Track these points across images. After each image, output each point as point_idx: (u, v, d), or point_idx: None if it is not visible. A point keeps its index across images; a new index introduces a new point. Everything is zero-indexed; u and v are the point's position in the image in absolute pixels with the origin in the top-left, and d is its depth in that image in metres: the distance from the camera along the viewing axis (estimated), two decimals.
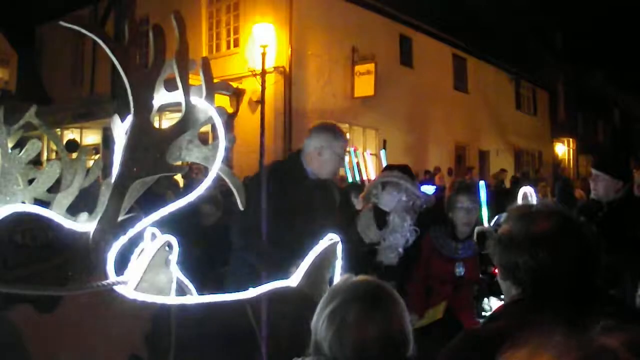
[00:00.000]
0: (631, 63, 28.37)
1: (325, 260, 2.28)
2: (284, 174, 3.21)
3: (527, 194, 3.66)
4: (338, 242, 2.33)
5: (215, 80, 2.14)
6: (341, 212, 3.86)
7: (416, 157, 15.51)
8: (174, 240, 1.91)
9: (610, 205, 3.77)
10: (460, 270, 3.62)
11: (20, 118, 2.02)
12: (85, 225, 1.83)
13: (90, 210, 1.89)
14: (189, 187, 7.34)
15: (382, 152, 13.04)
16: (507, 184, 13.81)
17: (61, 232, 1.76)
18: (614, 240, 3.20)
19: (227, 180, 2.02)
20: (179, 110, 1.95)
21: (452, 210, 3.74)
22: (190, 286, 2.08)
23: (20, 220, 1.71)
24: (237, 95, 13.13)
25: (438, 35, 17.50)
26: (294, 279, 2.23)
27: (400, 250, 3.64)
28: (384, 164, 11.80)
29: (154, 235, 1.91)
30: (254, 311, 2.05)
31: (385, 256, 3.62)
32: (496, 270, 1.71)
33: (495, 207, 4.58)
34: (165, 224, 1.93)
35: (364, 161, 10.55)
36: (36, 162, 2.06)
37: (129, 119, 1.87)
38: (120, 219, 1.81)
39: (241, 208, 2.03)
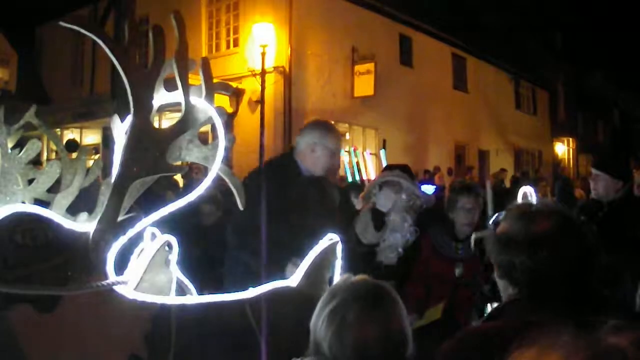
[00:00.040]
0: (631, 63, 28.40)
1: (325, 260, 2.28)
2: (277, 171, 3.21)
3: (527, 193, 3.65)
4: (338, 242, 2.33)
5: (215, 80, 2.14)
6: (341, 212, 3.86)
7: (416, 156, 15.51)
8: (173, 240, 1.91)
9: (611, 205, 3.77)
10: (460, 271, 3.62)
11: (20, 118, 2.02)
12: (85, 225, 1.83)
13: (90, 210, 1.89)
14: (189, 187, 7.34)
15: (382, 152, 13.06)
16: (507, 184, 13.82)
17: (61, 232, 1.76)
18: (614, 240, 3.21)
19: (226, 180, 2.02)
20: (179, 110, 1.95)
21: (452, 210, 3.73)
22: (190, 286, 2.08)
23: (20, 220, 1.71)
24: (236, 95, 13.14)
25: (438, 34, 17.51)
26: (294, 279, 2.23)
27: (400, 250, 3.64)
28: (384, 164, 11.82)
29: (153, 235, 1.91)
30: (254, 311, 2.05)
31: (385, 256, 3.62)
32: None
33: (495, 206, 4.57)
34: (165, 224, 1.93)
35: (364, 161, 10.56)
36: (36, 162, 2.06)
37: (129, 118, 1.87)
38: (120, 219, 1.81)
39: (241, 208, 2.03)
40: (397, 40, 16.30)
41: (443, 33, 17.58)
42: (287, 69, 13.07)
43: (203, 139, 1.99)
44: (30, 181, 1.93)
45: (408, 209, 3.65)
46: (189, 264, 2.19)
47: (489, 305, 3.96)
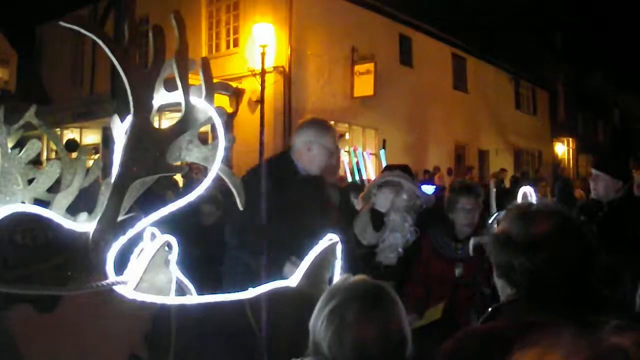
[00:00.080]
0: (631, 63, 28.40)
1: (324, 260, 2.28)
2: (274, 171, 3.21)
3: (527, 193, 3.65)
4: (338, 242, 2.33)
5: (215, 80, 2.14)
6: (341, 212, 3.86)
7: (416, 156, 15.51)
8: (173, 240, 1.91)
9: (610, 205, 3.77)
10: (459, 271, 3.62)
11: (20, 118, 2.02)
12: (84, 225, 1.83)
13: (90, 210, 1.89)
14: (189, 187, 7.34)
15: (382, 152, 13.05)
16: (507, 184, 13.81)
17: (61, 232, 1.76)
18: (614, 240, 3.21)
19: (226, 180, 2.02)
20: (179, 110, 1.95)
21: (452, 211, 3.73)
22: (190, 286, 2.08)
23: (20, 220, 1.71)
24: (236, 95, 13.14)
25: (438, 34, 17.51)
26: (294, 279, 2.23)
27: (400, 250, 3.65)
28: (384, 164, 11.81)
29: (153, 235, 1.91)
30: (254, 311, 2.05)
31: (385, 256, 3.62)
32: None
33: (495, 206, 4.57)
34: (165, 224, 1.93)
35: (364, 161, 10.56)
36: (36, 161, 2.06)
37: (129, 119, 1.87)
38: (120, 219, 1.81)
39: (241, 208, 2.03)
40: (397, 40, 16.30)
41: (443, 33, 17.58)
42: (287, 69, 13.07)
43: (203, 139, 2.00)
44: (30, 181, 1.93)
45: (409, 209, 3.65)
46: (189, 264, 2.19)
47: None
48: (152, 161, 1.85)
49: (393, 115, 15.58)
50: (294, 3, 13.10)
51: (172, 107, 2.05)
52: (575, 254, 1.54)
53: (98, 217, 1.81)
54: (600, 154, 20.68)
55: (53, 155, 12.86)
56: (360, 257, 3.47)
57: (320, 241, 2.31)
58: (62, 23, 1.85)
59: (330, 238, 2.32)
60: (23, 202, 1.85)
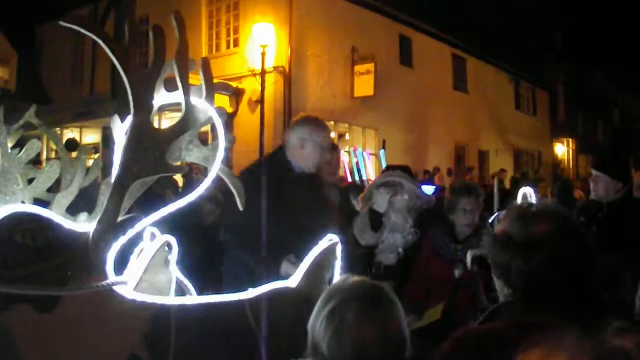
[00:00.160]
0: (631, 63, 28.37)
1: (324, 261, 2.28)
2: (267, 169, 3.20)
3: (527, 194, 3.65)
4: (337, 242, 2.33)
5: (215, 80, 2.14)
6: (341, 213, 3.86)
7: (416, 157, 15.52)
8: (173, 241, 1.91)
9: (610, 206, 3.77)
10: (459, 272, 3.61)
11: (20, 117, 2.02)
12: (84, 225, 1.83)
13: (90, 210, 1.89)
14: (189, 187, 7.34)
15: (382, 152, 13.06)
16: (507, 185, 13.81)
17: (61, 232, 1.76)
18: (614, 240, 3.21)
19: (226, 180, 2.02)
20: (179, 110, 1.95)
21: (452, 212, 3.72)
22: (190, 286, 2.08)
23: (20, 220, 1.71)
24: (236, 95, 13.14)
25: (438, 35, 17.51)
26: (294, 279, 2.23)
27: (401, 250, 3.64)
28: (384, 164, 11.81)
29: (153, 235, 1.91)
30: (254, 311, 2.05)
31: (384, 256, 3.62)
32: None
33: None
34: (165, 224, 1.93)
35: (364, 161, 10.58)
36: (36, 161, 2.06)
37: (129, 119, 1.87)
38: (119, 219, 1.81)
39: (241, 208, 2.03)
40: (397, 40, 16.31)
41: (443, 33, 17.58)
42: (287, 69, 13.08)
43: (203, 139, 1.99)
44: (30, 181, 1.93)
45: (409, 209, 3.65)
46: (189, 264, 2.19)
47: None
48: (152, 161, 1.85)
49: (393, 115, 15.59)
50: (294, 3, 13.10)
51: (172, 107, 2.05)
52: (574, 255, 1.55)
53: (98, 217, 1.80)
54: (600, 154, 20.66)
55: (53, 155, 12.86)
56: (359, 257, 3.47)
57: (320, 241, 2.31)
58: (62, 23, 1.85)
59: (330, 238, 2.32)
60: (23, 202, 1.85)
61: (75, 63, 17.90)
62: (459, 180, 11.24)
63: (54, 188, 1.96)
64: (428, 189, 7.55)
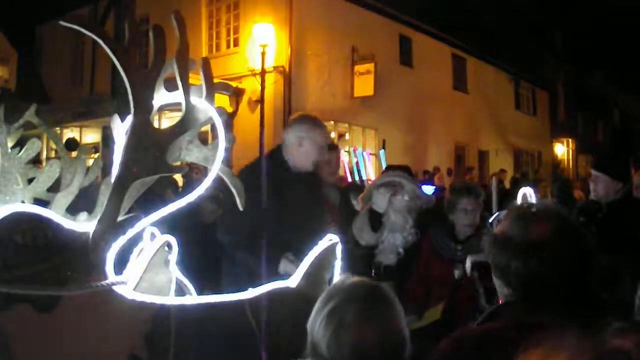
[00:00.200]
0: (631, 63, 28.35)
1: (324, 261, 2.28)
2: (266, 168, 3.19)
3: (527, 194, 3.65)
4: (337, 242, 2.33)
5: (215, 80, 2.14)
6: (341, 213, 3.86)
7: (415, 157, 15.52)
8: (173, 241, 1.91)
9: (610, 206, 3.77)
10: (459, 272, 3.61)
11: (20, 117, 2.02)
12: (84, 225, 1.83)
13: (90, 210, 1.89)
14: (189, 187, 7.33)
15: (382, 152, 13.06)
16: (507, 185, 13.81)
17: (61, 232, 1.76)
18: (614, 240, 3.21)
19: (226, 180, 2.02)
20: (179, 110, 1.95)
21: (452, 212, 3.72)
22: (190, 286, 2.08)
23: (20, 220, 1.71)
24: (236, 94, 13.14)
25: (438, 35, 17.51)
26: (294, 279, 2.23)
27: (401, 250, 3.64)
28: (384, 164, 11.80)
29: (153, 235, 1.91)
30: (254, 311, 2.05)
31: (384, 256, 3.62)
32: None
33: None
34: (165, 224, 1.93)
35: (364, 161, 10.58)
36: (36, 161, 2.06)
37: (129, 118, 1.87)
38: (119, 219, 1.81)
39: (241, 209, 2.03)
40: (397, 40, 16.30)
41: (443, 33, 17.58)
42: (287, 69, 13.07)
43: (203, 139, 1.99)
44: (30, 180, 1.93)
45: (410, 209, 3.65)
46: (188, 264, 2.19)
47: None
48: (152, 161, 1.85)
49: (393, 115, 15.59)
50: (294, 3, 13.10)
51: (172, 107, 2.05)
52: (574, 255, 1.55)
53: (98, 217, 1.80)
54: (600, 155, 20.66)
55: (53, 154, 12.86)
56: (359, 257, 3.47)
57: (320, 241, 2.31)
58: (62, 22, 1.85)
59: (330, 238, 2.32)
60: (23, 202, 1.85)
61: (75, 63, 17.90)
62: (459, 180, 11.25)
63: (54, 188, 1.96)
64: (428, 189, 7.55)
